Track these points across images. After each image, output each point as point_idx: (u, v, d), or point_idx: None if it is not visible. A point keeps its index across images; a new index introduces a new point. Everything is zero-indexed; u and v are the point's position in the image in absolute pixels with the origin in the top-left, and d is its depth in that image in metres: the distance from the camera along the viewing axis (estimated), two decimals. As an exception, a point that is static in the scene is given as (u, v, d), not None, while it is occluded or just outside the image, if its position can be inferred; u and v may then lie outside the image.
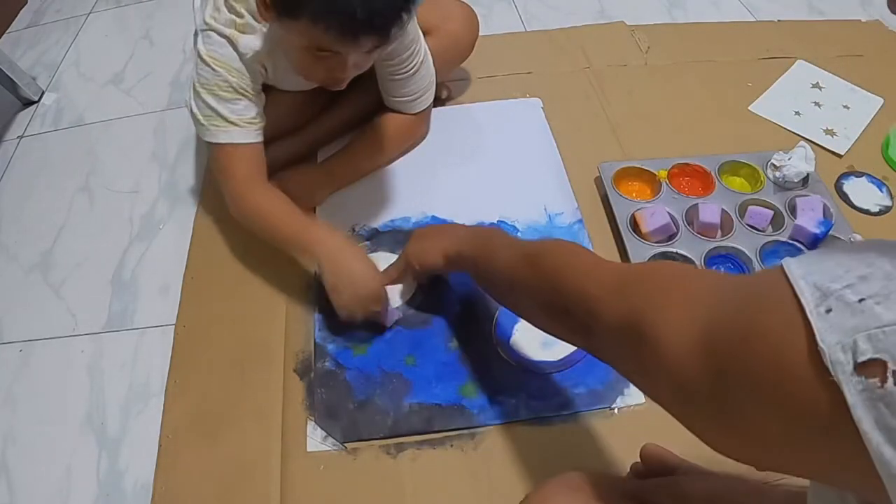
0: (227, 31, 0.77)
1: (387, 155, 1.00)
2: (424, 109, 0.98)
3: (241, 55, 0.78)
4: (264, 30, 0.78)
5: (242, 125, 0.80)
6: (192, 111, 0.81)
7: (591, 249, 0.50)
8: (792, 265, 0.29)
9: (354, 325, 0.79)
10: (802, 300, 0.27)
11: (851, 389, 0.24)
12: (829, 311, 0.26)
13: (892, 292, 0.25)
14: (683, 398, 0.35)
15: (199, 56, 0.78)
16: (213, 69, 0.78)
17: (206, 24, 0.78)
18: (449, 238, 0.74)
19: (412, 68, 0.90)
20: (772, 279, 0.30)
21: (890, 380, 0.23)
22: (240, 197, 0.81)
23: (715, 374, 0.32)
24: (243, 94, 0.79)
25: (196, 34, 0.95)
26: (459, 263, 0.71)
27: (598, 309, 0.44)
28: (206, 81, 0.78)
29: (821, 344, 0.26)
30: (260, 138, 0.82)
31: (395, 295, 0.84)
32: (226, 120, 0.79)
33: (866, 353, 0.24)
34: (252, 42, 0.78)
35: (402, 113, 0.97)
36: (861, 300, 0.25)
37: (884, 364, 0.24)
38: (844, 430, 0.25)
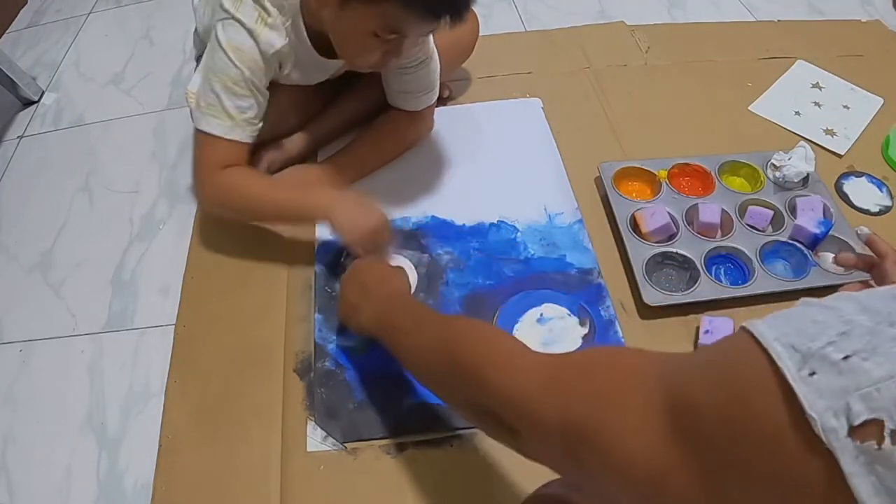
0: (251, 25, 0.76)
1: (390, 153, 1.00)
2: (428, 107, 0.98)
3: (261, 51, 0.77)
4: (287, 25, 0.78)
5: (240, 123, 0.79)
6: (192, 93, 0.80)
7: (497, 328, 0.50)
8: (761, 327, 0.27)
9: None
10: (781, 365, 0.25)
11: (847, 457, 0.23)
12: (812, 374, 0.24)
13: (879, 346, 0.23)
14: (653, 493, 0.31)
15: (219, 44, 0.77)
16: (230, 60, 0.77)
17: (228, 11, 0.76)
18: (362, 313, 0.67)
19: (419, 63, 0.90)
20: (740, 347, 0.27)
21: (887, 440, 0.22)
22: (208, 179, 0.81)
23: (692, 464, 0.28)
24: (253, 91, 0.79)
25: (196, 31, 0.95)
26: (371, 334, 0.66)
27: (526, 412, 0.39)
28: (219, 70, 0.77)
29: (809, 412, 0.23)
30: (251, 140, 0.82)
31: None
32: (227, 114, 0.78)
33: (861, 415, 0.22)
34: (275, 38, 0.78)
35: (405, 110, 0.97)
36: (846, 357, 0.24)
37: (880, 424, 0.22)
38: (842, 499, 0.23)
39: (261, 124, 0.82)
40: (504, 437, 0.44)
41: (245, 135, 0.80)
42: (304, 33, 0.80)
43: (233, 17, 0.76)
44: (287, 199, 0.81)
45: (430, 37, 0.90)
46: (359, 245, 0.78)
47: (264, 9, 0.76)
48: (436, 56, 0.93)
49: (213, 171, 0.80)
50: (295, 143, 0.98)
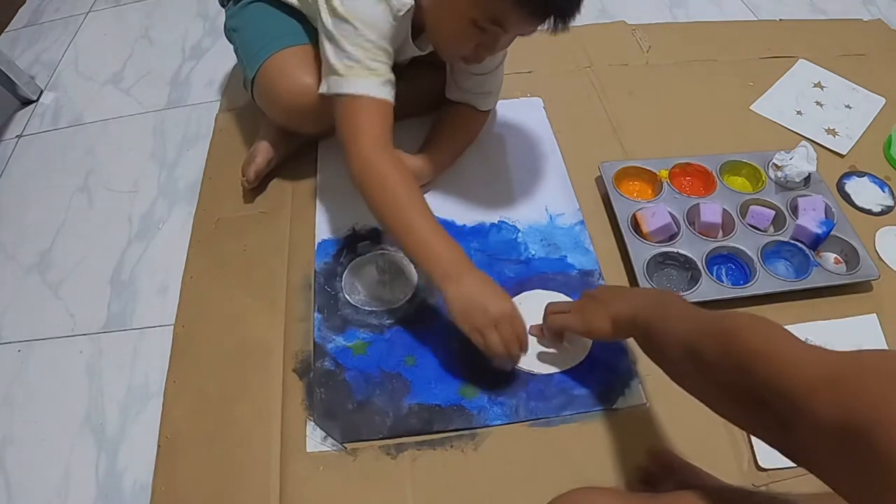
0: None
1: (461, 149, 0.98)
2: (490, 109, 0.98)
3: (392, 10, 0.73)
4: None
5: (385, 81, 0.74)
6: (328, 64, 0.75)
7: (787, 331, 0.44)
8: None
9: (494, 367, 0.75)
10: None
11: None
12: None
13: None
14: None
15: (335, 13, 0.73)
16: (353, 26, 0.72)
17: None
18: (619, 302, 0.66)
19: (496, 67, 0.89)
20: None
21: None
22: (366, 161, 0.72)
23: None
24: (387, 50, 0.74)
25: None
26: (629, 331, 0.64)
27: (805, 404, 0.37)
28: (347, 34, 0.73)
29: None
30: (393, 98, 0.75)
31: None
32: (370, 70, 0.73)
33: None
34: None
35: (473, 107, 0.95)
36: None
37: None
38: None
39: (391, 77, 0.76)
40: (770, 432, 0.42)
41: (388, 91, 0.74)
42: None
43: None
44: (418, 230, 0.70)
45: None
46: (474, 337, 0.68)
47: None
48: (504, 62, 0.93)
49: (370, 147, 0.72)
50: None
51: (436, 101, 0.98)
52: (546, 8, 0.67)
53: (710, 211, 0.89)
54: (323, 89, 0.77)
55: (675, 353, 0.53)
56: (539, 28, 0.70)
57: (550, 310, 0.75)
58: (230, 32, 0.98)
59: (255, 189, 0.97)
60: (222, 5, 1.01)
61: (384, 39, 0.74)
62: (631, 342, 0.79)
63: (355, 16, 0.72)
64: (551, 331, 0.75)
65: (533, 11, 0.67)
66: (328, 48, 0.75)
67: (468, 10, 0.69)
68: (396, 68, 0.78)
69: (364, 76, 0.73)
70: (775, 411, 0.39)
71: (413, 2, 0.74)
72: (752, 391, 0.42)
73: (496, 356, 0.69)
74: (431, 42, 0.80)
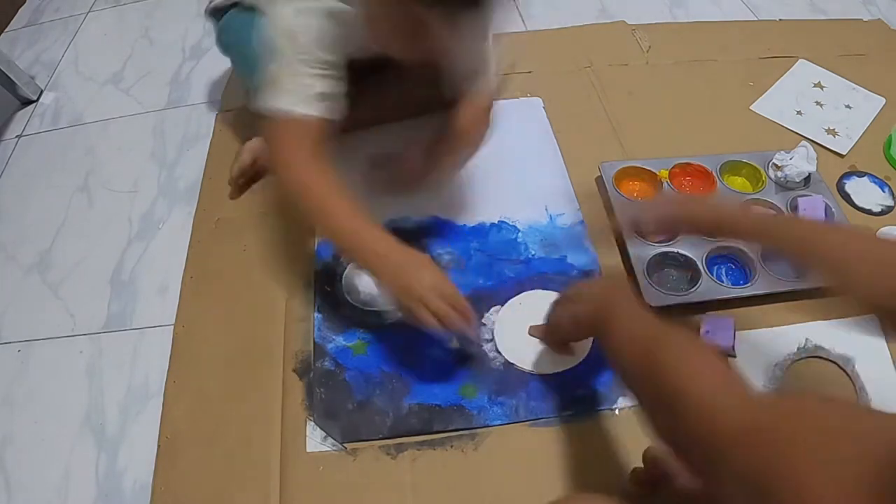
0: None
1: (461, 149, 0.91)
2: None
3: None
4: None
5: (303, 97, 0.71)
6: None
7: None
8: None
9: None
10: None
11: None
12: None
13: None
14: None
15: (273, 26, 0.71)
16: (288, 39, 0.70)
17: None
18: (582, 303, 0.67)
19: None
20: None
21: None
22: (283, 163, 0.72)
23: None
24: (318, 63, 0.71)
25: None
26: (589, 331, 0.66)
27: (715, 454, 0.37)
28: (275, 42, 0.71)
29: None
30: (325, 112, 0.72)
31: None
32: (288, 88, 0.71)
33: None
34: None
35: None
36: None
37: None
38: None
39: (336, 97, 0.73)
40: (695, 468, 0.42)
41: (307, 109, 0.71)
42: None
43: None
44: (345, 230, 0.70)
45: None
46: (416, 308, 0.66)
47: None
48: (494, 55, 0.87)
49: (288, 155, 0.72)
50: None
51: (426, 104, 0.96)
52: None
53: (710, 211, 0.89)
54: (261, 101, 0.74)
55: (617, 357, 0.54)
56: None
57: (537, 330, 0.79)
58: (224, 48, 0.97)
59: (242, 187, 0.97)
60: (213, 17, 0.98)
61: (321, 49, 0.71)
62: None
63: (291, 30, 0.70)
64: (552, 344, 0.78)
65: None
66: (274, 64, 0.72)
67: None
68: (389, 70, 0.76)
69: (283, 93, 0.71)
70: (691, 456, 0.40)
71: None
72: (674, 432, 0.42)
73: (436, 333, 0.67)
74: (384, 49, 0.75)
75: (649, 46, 1.25)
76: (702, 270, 0.83)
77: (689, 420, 0.40)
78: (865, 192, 0.99)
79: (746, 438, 0.35)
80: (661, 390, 0.44)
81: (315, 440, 0.72)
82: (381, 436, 0.72)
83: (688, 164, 0.97)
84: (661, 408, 0.44)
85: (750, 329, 0.80)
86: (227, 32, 0.95)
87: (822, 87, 1.18)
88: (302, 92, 0.71)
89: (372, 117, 1.00)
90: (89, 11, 1.46)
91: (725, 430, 0.37)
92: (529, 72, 1.18)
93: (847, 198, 0.98)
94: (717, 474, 0.37)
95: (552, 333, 0.76)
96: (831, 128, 1.09)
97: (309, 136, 0.72)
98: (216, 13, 0.96)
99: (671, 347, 0.47)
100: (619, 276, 0.81)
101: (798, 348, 0.79)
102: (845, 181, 1.00)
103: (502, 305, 0.83)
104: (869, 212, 0.96)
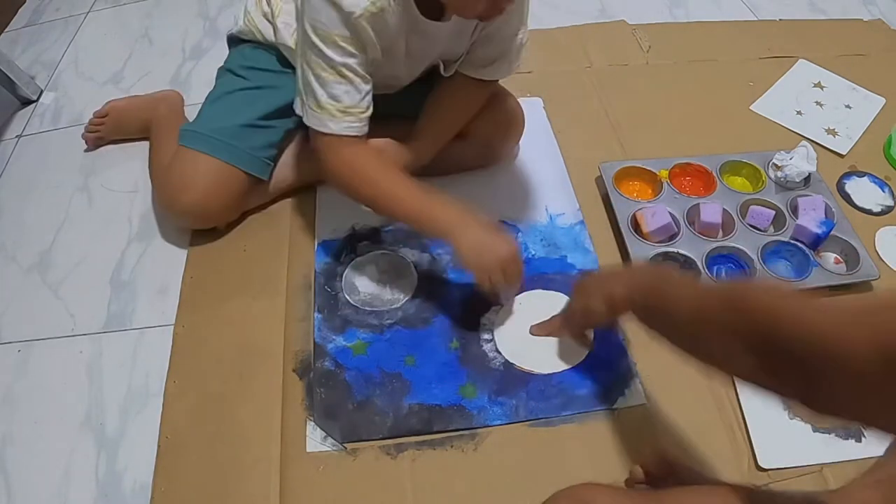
0: None
1: (459, 125, 0.91)
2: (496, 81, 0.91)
3: (344, 16, 0.68)
4: None
5: (336, 114, 0.73)
6: (302, 92, 0.75)
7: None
8: None
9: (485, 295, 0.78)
10: None
11: None
12: None
13: None
14: None
15: (303, 25, 0.71)
16: (313, 41, 0.70)
17: None
18: (612, 282, 0.66)
19: (513, 32, 0.84)
20: None
21: None
22: (337, 164, 0.76)
23: None
24: (345, 74, 0.71)
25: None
26: (625, 307, 0.64)
27: (836, 347, 0.35)
28: (307, 55, 0.72)
29: None
30: (356, 132, 0.75)
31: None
32: (320, 106, 0.72)
33: None
34: None
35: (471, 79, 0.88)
36: None
37: None
38: None
39: (367, 111, 0.75)
40: (793, 389, 0.40)
41: (345, 126, 0.73)
42: None
43: None
44: (409, 202, 0.75)
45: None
46: (483, 279, 0.73)
47: None
48: (525, 46, 0.88)
49: (335, 155, 0.75)
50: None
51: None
52: None
53: (710, 211, 0.89)
54: (297, 109, 0.77)
55: (681, 321, 0.52)
56: None
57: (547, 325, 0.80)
58: (218, 74, 0.97)
59: (95, 140, 1.07)
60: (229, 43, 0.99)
61: (339, 54, 0.71)
62: (633, 341, 0.79)
63: (311, 24, 0.70)
64: (571, 333, 0.78)
65: None
66: (301, 76, 0.75)
67: None
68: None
69: (318, 111, 0.73)
70: (805, 362, 0.37)
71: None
72: (778, 345, 0.40)
73: (499, 291, 0.76)
74: (446, 4, 0.72)
75: (649, 46, 1.25)
76: (702, 270, 0.83)
77: (791, 327, 0.39)
78: (865, 192, 0.99)
79: (860, 323, 0.34)
80: (749, 317, 0.43)
81: (315, 440, 0.72)
82: (381, 436, 0.72)
83: (688, 164, 0.97)
84: (759, 329, 0.42)
85: (750, 329, 0.80)
86: (222, 77, 0.95)
87: (822, 87, 1.18)
88: (347, 118, 0.73)
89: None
90: (89, 11, 1.45)
91: (835, 322, 0.36)
92: (529, 72, 1.18)
93: (847, 198, 0.98)
94: (828, 376, 0.36)
95: (574, 321, 0.75)
96: (831, 128, 1.09)
97: (357, 141, 0.75)
98: (233, 41, 0.96)
99: (752, 285, 0.48)
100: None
101: (798, 348, 0.79)
102: (845, 181, 1.00)
103: (502, 305, 0.83)
104: (869, 212, 0.97)
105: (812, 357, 0.37)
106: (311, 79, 0.72)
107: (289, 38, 0.87)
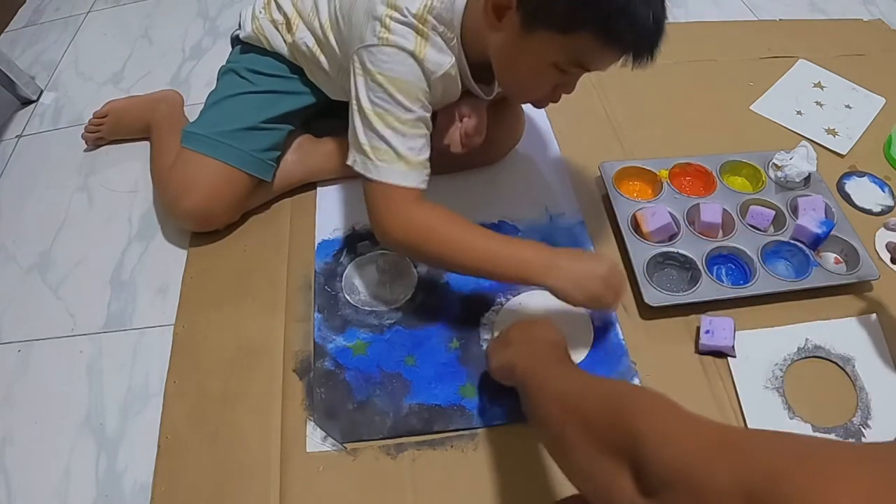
0: (412, 47, 0.66)
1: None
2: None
3: (426, 75, 0.68)
4: (453, 44, 0.69)
5: (416, 166, 0.69)
6: (356, 139, 0.70)
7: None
8: None
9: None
10: None
11: None
12: None
13: None
14: None
15: (372, 78, 0.67)
16: (390, 95, 0.67)
17: (380, 34, 0.66)
18: (509, 350, 0.66)
19: None
20: None
21: None
22: (395, 222, 0.70)
23: None
24: (423, 126, 0.70)
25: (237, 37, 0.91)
26: (511, 380, 0.63)
27: (698, 472, 0.34)
28: (380, 108, 0.68)
29: None
30: (426, 184, 0.71)
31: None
32: (401, 158, 0.68)
33: None
34: (442, 59, 0.68)
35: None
36: None
37: None
38: None
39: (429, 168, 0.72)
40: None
41: (421, 179, 0.70)
42: (464, 55, 0.71)
43: (386, 43, 0.66)
44: (496, 250, 0.70)
45: None
46: (597, 306, 0.72)
47: (421, 19, 0.66)
48: None
49: (399, 213, 0.70)
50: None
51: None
52: (640, 47, 0.63)
53: (710, 211, 0.89)
54: (350, 161, 0.72)
55: (552, 410, 0.50)
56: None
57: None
58: (220, 73, 0.96)
59: (95, 140, 1.09)
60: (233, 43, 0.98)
61: (420, 107, 0.69)
62: (630, 340, 0.79)
63: (390, 78, 0.67)
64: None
65: (624, 50, 0.64)
66: (357, 121, 0.70)
67: (552, 54, 0.64)
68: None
69: (394, 163, 0.68)
70: (661, 480, 0.36)
71: (454, 59, 0.71)
72: (636, 458, 0.38)
73: (613, 309, 0.77)
74: (504, 87, 0.77)
75: (649, 46, 1.24)
76: (702, 270, 0.83)
77: (657, 442, 0.37)
78: (865, 192, 0.99)
79: (724, 451, 0.34)
80: (623, 423, 0.41)
81: (315, 440, 0.72)
82: (381, 436, 0.72)
83: (688, 164, 0.97)
84: (624, 438, 0.40)
85: (750, 329, 0.80)
86: (222, 80, 0.94)
87: (822, 87, 1.18)
88: (406, 166, 0.69)
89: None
90: (89, 11, 1.46)
91: (703, 448, 0.35)
92: (529, 72, 1.18)
93: (847, 198, 0.98)
94: (697, 498, 0.34)
95: (495, 375, 0.69)
96: (831, 128, 1.09)
97: (412, 193, 0.70)
98: (237, 42, 0.96)
99: (634, 391, 0.46)
100: (545, 323, 0.70)
101: (798, 348, 0.79)
102: (845, 181, 1.00)
103: (502, 305, 0.83)
104: (869, 212, 0.96)
105: (673, 477, 0.36)
106: (386, 132, 0.68)
107: (303, 53, 0.86)
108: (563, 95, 0.73)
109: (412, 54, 0.67)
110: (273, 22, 0.88)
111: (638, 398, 0.44)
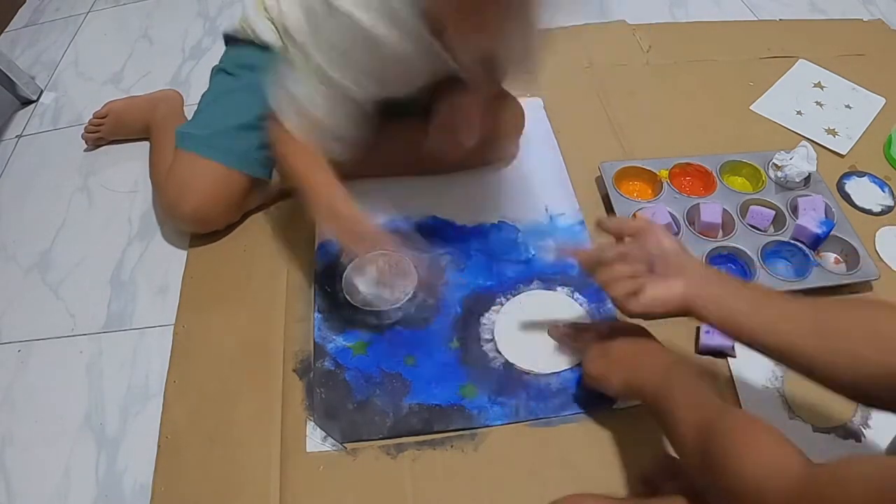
0: None
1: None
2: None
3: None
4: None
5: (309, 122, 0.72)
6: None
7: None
8: None
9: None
10: None
11: None
12: None
13: None
14: None
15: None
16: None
17: None
18: (632, 369, 0.66)
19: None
20: None
21: None
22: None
23: None
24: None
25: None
26: (637, 397, 0.66)
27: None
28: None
29: None
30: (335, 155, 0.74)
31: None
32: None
33: None
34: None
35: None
36: None
37: None
38: None
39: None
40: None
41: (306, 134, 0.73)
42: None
43: None
44: (300, 173, 0.75)
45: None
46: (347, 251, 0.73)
47: None
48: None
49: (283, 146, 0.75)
50: None
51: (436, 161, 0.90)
52: None
53: (710, 211, 0.89)
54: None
55: (672, 435, 0.55)
56: None
57: (569, 332, 0.77)
58: (212, 73, 0.96)
59: (95, 140, 1.10)
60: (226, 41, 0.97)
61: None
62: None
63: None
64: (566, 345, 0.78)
65: None
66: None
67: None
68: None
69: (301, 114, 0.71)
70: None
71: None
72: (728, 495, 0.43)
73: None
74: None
75: (649, 46, 1.25)
76: (702, 270, 0.83)
77: (745, 487, 0.41)
78: (865, 192, 0.99)
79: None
80: (713, 470, 0.45)
81: (315, 440, 0.72)
82: (381, 436, 0.72)
83: (688, 164, 0.97)
84: (715, 487, 0.45)
85: (750, 329, 0.80)
86: (215, 79, 0.95)
87: (822, 87, 1.18)
88: (311, 120, 0.71)
89: (379, 169, 0.95)
90: (89, 11, 1.46)
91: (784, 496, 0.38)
92: (529, 72, 1.18)
93: (847, 198, 0.98)
94: None
95: (587, 381, 0.72)
96: (831, 128, 1.09)
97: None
98: (229, 40, 0.95)
99: (725, 427, 0.48)
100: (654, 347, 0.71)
101: (798, 348, 0.79)
102: (845, 181, 1.00)
103: (502, 305, 0.83)
104: (869, 212, 0.96)
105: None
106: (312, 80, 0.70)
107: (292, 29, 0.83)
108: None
109: None
110: (266, 11, 0.87)
111: (724, 437, 0.47)
